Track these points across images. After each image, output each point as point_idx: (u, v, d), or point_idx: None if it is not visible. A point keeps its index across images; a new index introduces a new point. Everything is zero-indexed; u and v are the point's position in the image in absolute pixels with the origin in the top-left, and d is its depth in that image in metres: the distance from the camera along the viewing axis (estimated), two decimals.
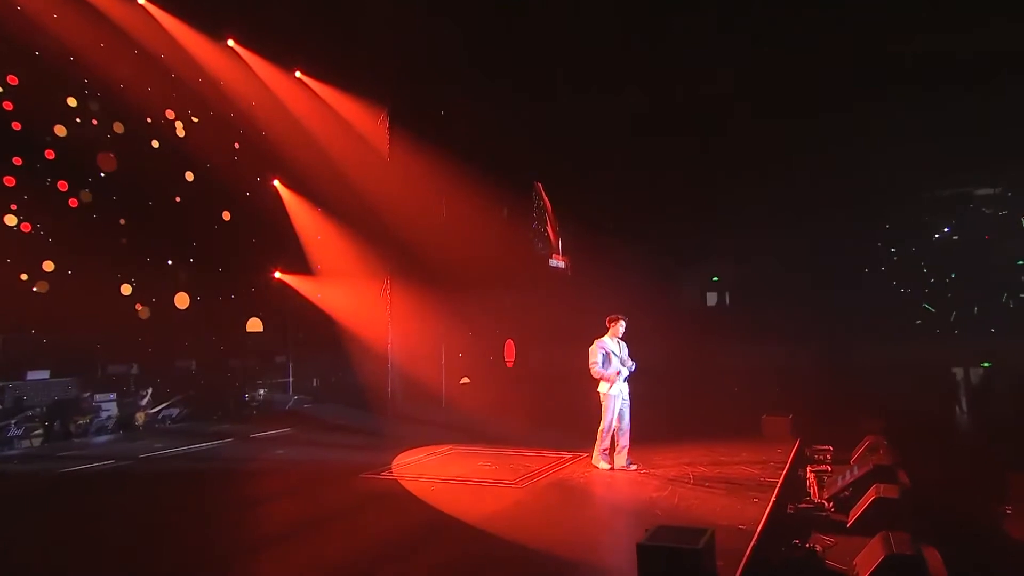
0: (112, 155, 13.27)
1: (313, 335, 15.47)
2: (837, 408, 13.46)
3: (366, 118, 14.63)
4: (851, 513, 7.37)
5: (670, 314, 19.80)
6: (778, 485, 8.46)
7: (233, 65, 14.12)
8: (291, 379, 15.94)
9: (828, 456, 10.34)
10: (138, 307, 14.05)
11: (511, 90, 16.64)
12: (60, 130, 12.62)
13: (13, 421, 10.91)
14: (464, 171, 15.01)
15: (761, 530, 6.89)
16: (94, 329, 13.22)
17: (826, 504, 8.01)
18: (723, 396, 15.60)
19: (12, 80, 11.87)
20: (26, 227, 12.25)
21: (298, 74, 14.88)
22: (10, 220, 12.16)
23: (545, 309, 18.14)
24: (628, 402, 9.44)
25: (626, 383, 9.44)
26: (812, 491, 8.59)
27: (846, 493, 7.94)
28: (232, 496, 8.53)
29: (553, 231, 20.63)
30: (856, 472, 8.38)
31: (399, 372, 14.35)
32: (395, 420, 13.41)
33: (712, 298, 22.69)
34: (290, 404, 15.28)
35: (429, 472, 9.43)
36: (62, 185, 12.74)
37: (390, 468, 9.54)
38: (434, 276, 14.35)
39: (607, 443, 9.35)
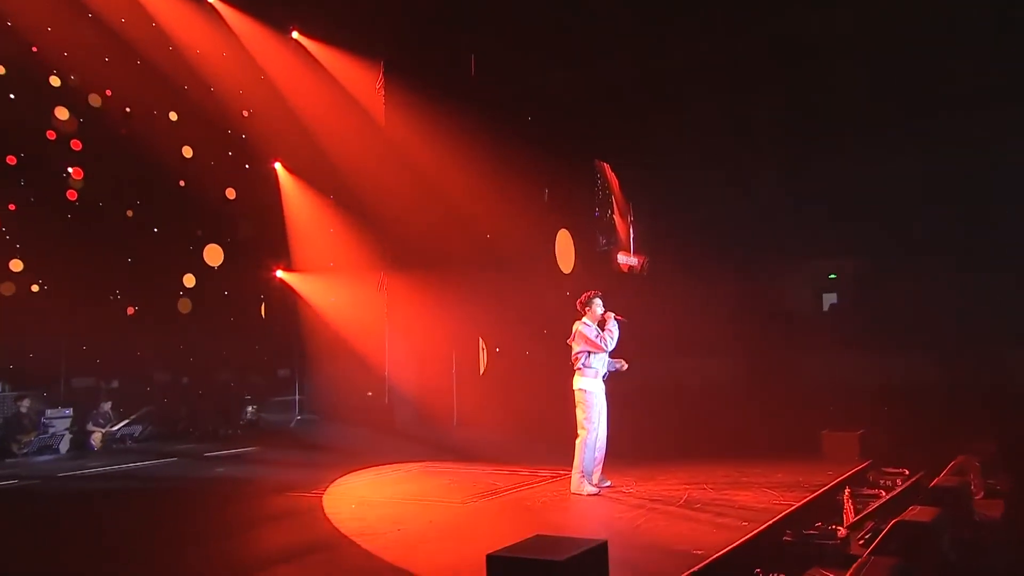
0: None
1: (322, 343, 15.56)
2: (952, 427, 12.42)
3: (365, 80, 14.68)
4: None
5: (774, 321, 18.98)
6: (788, 511, 7.85)
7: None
8: (297, 396, 16.09)
9: (898, 481, 9.68)
10: (130, 310, 14.63)
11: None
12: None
13: None
14: (489, 143, 14.82)
15: (721, 556, 6.37)
16: (60, 337, 13.75)
17: (840, 531, 7.32)
18: (811, 413, 14.69)
19: None
20: None
21: (295, 34, 15.08)
22: None
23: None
24: (605, 402, 8.95)
25: (604, 381, 8.94)
26: (846, 518, 7.99)
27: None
28: (113, 515, 8.73)
29: (623, 221, 20.08)
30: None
31: (403, 383, 14.21)
32: (392, 437, 13.32)
33: (830, 300, 21.47)
34: (294, 422, 15.41)
35: (372, 491, 9.44)
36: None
37: (328, 486, 9.51)
38: (445, 272, 14.17)
39: (590, 460, 8.82)
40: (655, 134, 18.97)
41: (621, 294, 18.00)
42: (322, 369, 15.60)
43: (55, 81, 13.87)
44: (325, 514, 8.06)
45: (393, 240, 14.57)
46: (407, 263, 14.48)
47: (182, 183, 15.32)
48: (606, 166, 19.53)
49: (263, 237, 15.76)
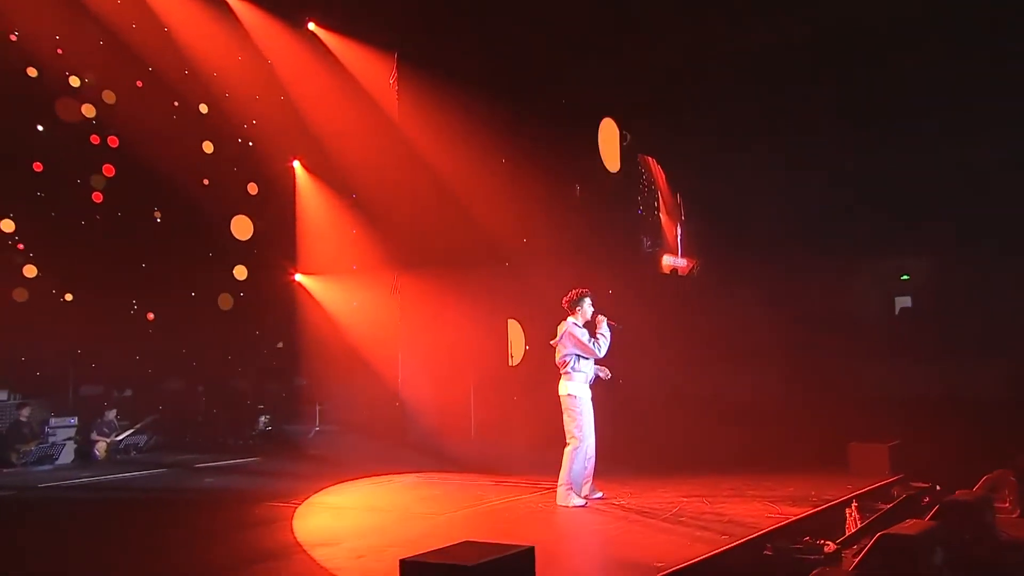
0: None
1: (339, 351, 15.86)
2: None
3: (381, 73, 14.98)
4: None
5: (835, 326, 18.66)
6: (775, 525, 7.80)
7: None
8: (317, 406, 16.40)
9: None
10: (150, 316, 15.18)
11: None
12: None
13: None
14: (512, 138, 14.96)
15: (678, 569, 6.38)
16: (70, 344, 14.33)
17: (828, 546, 7.26)
18: (860, 425, 14.45)
19: None
20: (8, 226, 13.58)
21: (311, 25, 15.43)
22: (8, 226, 13.59)
23: (647, 323, 17.39)
24: (592, 408, 8.98)
25: (590, 386, 8.98)
26: (847, 532, 7.96)
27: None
28: (68, 527, 9.06)
29: (671, 221, 19.97)
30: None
31: (418, 392, 14.39)
32: (404, 448, 13.51)
33: (902, 303, 21.02)
34: (312, 433, 15.72)
35: (353, 501, 9.72)
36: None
37: (310, 496, 9.74)
38: (463, 273, 14.31)
39: (579, 471, 8.87)
40: (701, 126, 18.88)
41: (665, 298, 18.07)
42: (340, 378, 15.85)
43: (74, 81, 14.43)
44: (291, 524, 8.26)
45: (408, 241, 14.70)
46: (423, 264, 14.62)
47: (206, 181, 15.76)
48: (651, 160, 19.42)
49: (280, 239, 16.09)
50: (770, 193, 19.00)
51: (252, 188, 16.34)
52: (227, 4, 14.78)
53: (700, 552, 6.83)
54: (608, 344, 8.89)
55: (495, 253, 14.99)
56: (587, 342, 8.75)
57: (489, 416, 14.77)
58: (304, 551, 7.17)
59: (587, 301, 8.94)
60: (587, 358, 8.83)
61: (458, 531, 7.77)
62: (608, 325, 8.95)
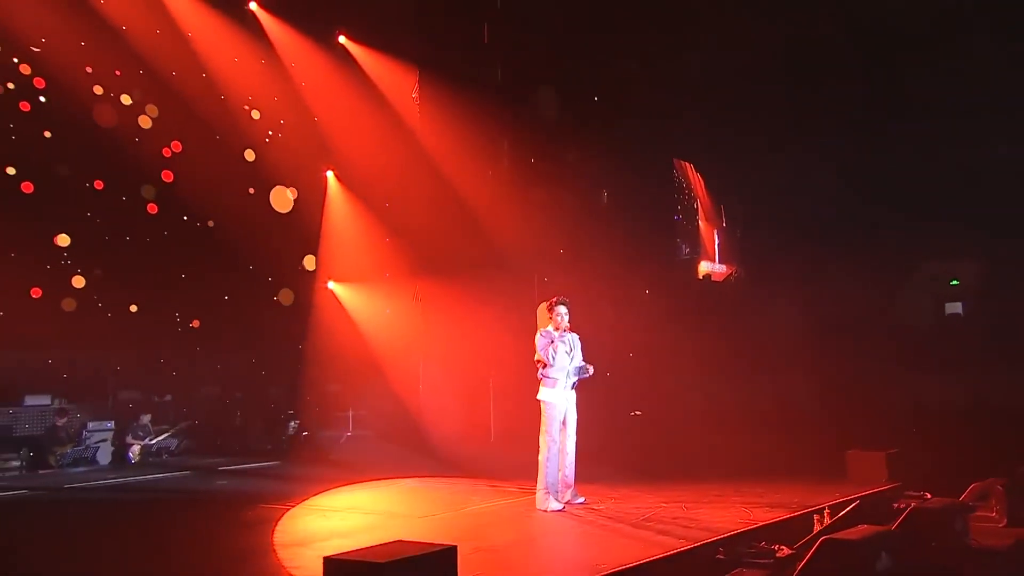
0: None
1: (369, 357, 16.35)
2: None
3: (406, 85, 15.46)
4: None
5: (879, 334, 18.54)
6: (741, 529, 8.01)
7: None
8: (350, 412, 16.92)
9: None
10: (195, 323, 15.90)
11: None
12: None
13: None
14: (535, 144, 15.28)
15: (621, 570, 6.65)
16: (110, 350, 15.08)
17: (781, 551, 7.43)
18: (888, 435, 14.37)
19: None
20: (64, 240, 14.36)
21: (342, 39, 15.98)
22: (63, 240, 14.38)
23: (680, 330, 17.48)
24: (575, 414, 9.23)
25: (573, 390, 9.23)
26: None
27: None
28: (71, 526, 9.59)
29: (709, 227, 20.07)
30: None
31: (440, 398, 14.78)
32: (419, 454, 13.89)
33: (953, 309, 20.70)
34: (343, 439, 16.23)
35: (344, 503, 10.10)
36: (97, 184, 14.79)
37: (306, 499, 10.20)
38: (488, 282, 14.66)
39: (554, 475, 9.15)
40: (740, 128, 18.89)
41: (700, 305, 18.16)
42: (372, 384, 16.32)
43: (126, 99, 15.14)
44: (275, 526, 8.67)
45: (432, 249, 15.12)
46: (449, 272, 15.01)
47: (251, 190, 16.40)
48: (688, 166, 19.56)
49: (312, 247, 16.65)
50: (811, 196, 19.00)
51: (293, 192, 16.82)
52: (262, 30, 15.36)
53: (650, 555, 7.06)
54: (559, 357, 9.11)
55: (518, 260, 15.28)
56: (541, 349, 9.07)
57: (509, 423, 15.07)
58: (273, 552, 7.58)
59: (560, 309, 9.19)
60: (558, 364, 9.09)
61: (430, 533, 8.11)
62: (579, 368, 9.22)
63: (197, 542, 8.29)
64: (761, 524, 8.23)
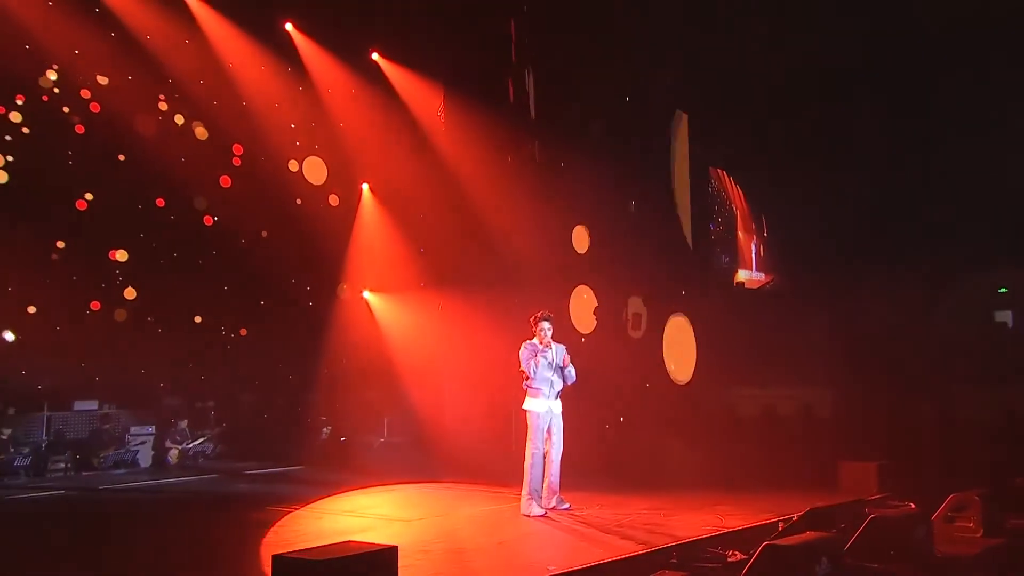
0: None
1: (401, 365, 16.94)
2: None
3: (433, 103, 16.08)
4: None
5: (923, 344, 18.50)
6: (702, 536, 8.42)
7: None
8: (385, 418, 17.53)
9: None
10: (243, 332, 16.72)
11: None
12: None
13: (21, 451, 13.63)
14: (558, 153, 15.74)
15: (570, 571, 7.10)
16: (157, 358, 15.90)
17: (733, 556, 7.81)
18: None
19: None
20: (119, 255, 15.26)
21: (375, 56, 16.65)
22: (122, 256, 15.28)
23: (717, 340, 17.69)
24: (560, 423, 9.68)
25: (558, 399, 9.69)
26: None
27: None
28: (97, 524, 10.31)
29: (747, 236, 20.24)
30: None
31: (463, 407, 15.26)
32: (438, 460, 14.35)
33: (1003, 318, 20.51)
34: (376, 445, 16.83)
35: (345, 506, 10.74)
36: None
37: (312, 502, 10.86)
38: (510, 295, 15.08)
39: (537, 481, 9.62)
40: (776, 136, 19.02)
41: (735, 315, 18.34)
42: (406, 391, 16.88)
43: (179, 119, 15.94)
44: (271, 528, 9.25)
45: (457, 260, 15.66)
46: (472, 285, 15.50)
47: (299, 201, 17.16)
48: (723, 174, 19.75)
49: (347, 258, 17.32)
50: (850, 203, 19.04)
51: (334, 200, 17.51)
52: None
53: (603, 558, 7.50)
54: (539, 368, 9.67)
55: (543, 270, 15.71)
56: (522, 361, 9.63)
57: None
58: (260, 552, 8.09)
59: (544, 325, 9.68)
60: (540, 375, 9.57)
61: (410, 535, 8.71)
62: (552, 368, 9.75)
63: (189, 540, 8.96)
64: (725, 531, 8.60)
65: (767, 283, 20.14)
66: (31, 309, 13.68)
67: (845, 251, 18.89)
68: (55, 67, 13.90)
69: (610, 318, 16.37)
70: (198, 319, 16.02)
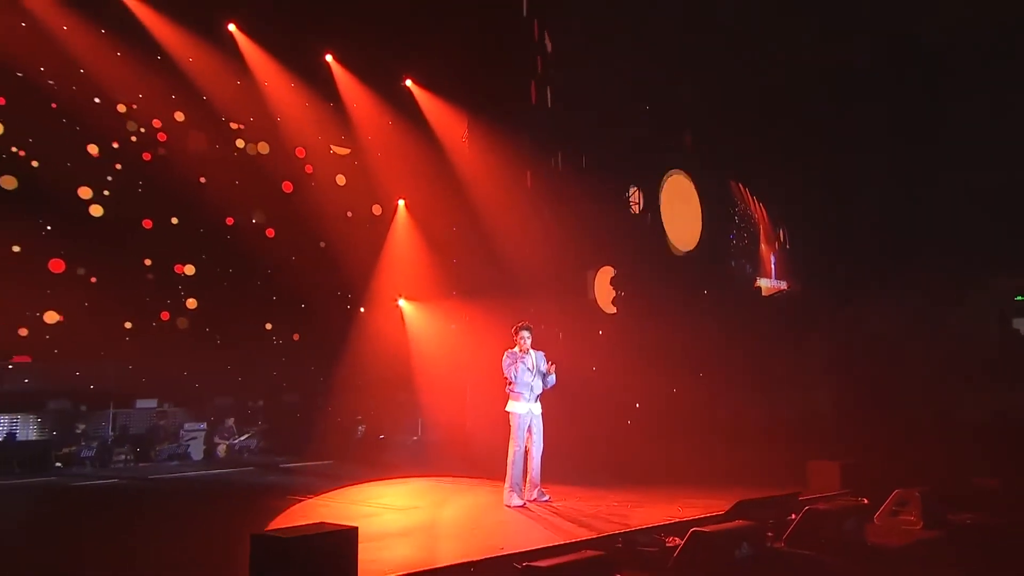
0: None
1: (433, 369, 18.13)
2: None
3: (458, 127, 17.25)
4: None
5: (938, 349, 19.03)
6: (649, 525, 9.42)
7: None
8: (420, 418, 18.73)
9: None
10: (295, 337, 18.21)
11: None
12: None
13: (86, 444, 15.15)
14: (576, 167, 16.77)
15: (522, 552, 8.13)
16: (211, 362, 17.37)
17: (670, 540, 8.76)
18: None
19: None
20: (186, 269, 16.80)
21: (408, 82, 17.91)
22: (189, 270, 16.87)
23: (734, 346, 18.46)
24: (540, 423, 10.73)
25: (537, 402, 10.74)
26: None
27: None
28: (137, 507, 11.77)
29: (768, 246, 20.99)
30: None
31: (482, 409, 16.32)
32: (459, 457, 15.39)
33: (1021, 325, 20.90)
34: (410, 442, 18.01)
35: (355, 496, 11.94)
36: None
37: (326, 492, 12.08)
38: (534, 302, 16.10)
39: (518, 475, 10.70)
40: (798, 144, 19.64)
41: (747, 322, 19.12)
42: (438, 393, 18.04)
43: (240, 143, 17.48)
44: (283, 513, 10.34)
45: (482, 270, 16.74)
46: (496, 295, 16.53)
47: (349, 214, 18.58)
48: (741, 187, 20.54)
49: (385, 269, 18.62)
50: (871, 208, 19.63)
51: (376, 209, 18.89)
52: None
53: (552, 542, 8.53)
54: (521, 373, 10.79)
55: (562, 279, 16.73)
56: (504, 367, 10.73)
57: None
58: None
59: (524, 334, 10.77)
60: (521, 379, 10.63)
61: (399, 522, 9.81)
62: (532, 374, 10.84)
63: (197, 524, 10.16)
64: (674, 520, 9.55)
65: (783, 289, 20.87)
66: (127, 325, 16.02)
67: (863, 258, 19.50)
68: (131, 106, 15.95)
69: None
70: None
